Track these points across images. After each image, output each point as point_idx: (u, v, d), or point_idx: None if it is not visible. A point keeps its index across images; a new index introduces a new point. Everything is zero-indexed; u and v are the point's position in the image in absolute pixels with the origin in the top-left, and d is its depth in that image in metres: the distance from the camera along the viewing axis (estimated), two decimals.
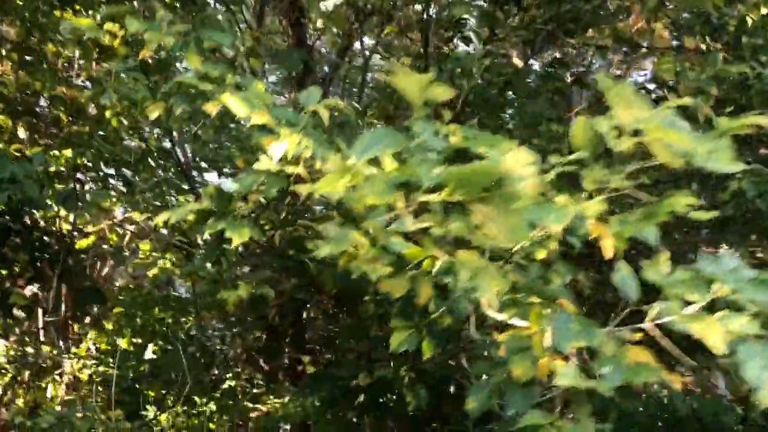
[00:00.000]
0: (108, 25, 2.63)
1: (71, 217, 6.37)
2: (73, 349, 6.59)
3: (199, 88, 2.26)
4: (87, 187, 6.20)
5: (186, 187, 7.15)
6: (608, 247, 1.82)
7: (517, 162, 1.30)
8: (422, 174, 1.33)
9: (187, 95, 2.34)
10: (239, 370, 6.87)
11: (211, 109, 2.25)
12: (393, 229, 1.71)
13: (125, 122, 6.85)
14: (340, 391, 3.88)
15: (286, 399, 5.88)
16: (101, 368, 6.30)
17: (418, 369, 3.30)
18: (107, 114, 6.74)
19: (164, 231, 7.58)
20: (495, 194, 1.31)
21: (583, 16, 4.16)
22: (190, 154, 7.53)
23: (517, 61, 4.86)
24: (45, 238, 4.73)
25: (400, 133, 1.51)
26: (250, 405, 6.30)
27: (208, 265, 2.95)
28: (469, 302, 2.48)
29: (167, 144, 7.15)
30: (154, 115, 2.41)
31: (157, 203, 6.83)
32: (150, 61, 2.83)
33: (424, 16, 4.38)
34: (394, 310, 3.44)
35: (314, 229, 2.46)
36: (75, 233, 5.31)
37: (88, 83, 6.90)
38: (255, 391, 6.44)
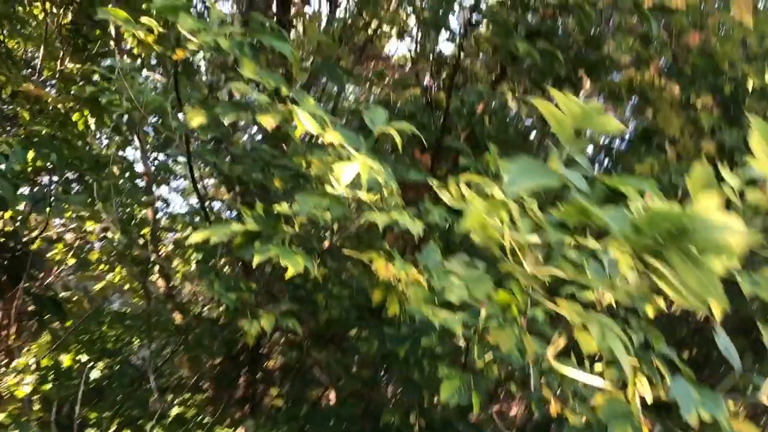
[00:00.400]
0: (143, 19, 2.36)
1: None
2: (13, 363, 6.08)
3: (258, 99, 2.04)
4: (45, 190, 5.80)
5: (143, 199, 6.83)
6: (717, 309, 1.68)
7: (712, 207, 1.13)
8: (608, 219, 1.14)
9: (236, 104, 2.11)
10: (188, 395, 6.50)
11: (269, 122, 2.03)
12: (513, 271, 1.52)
13: (92, 126, 6.51)
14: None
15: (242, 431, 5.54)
16: (44, 386, 5.81)
17: (427, 417, 3.08)
18: (75, 116, 6.39)
19: (115, 243, 7.19)
20: (684, 244, 1.13)
21: (599, 63, 4.10)
22: (153, 167, 7.21)
23: (513, 104, 4.78)
24: (6, 242, 4.32)
25: (546, 166, 1.33)
26: None
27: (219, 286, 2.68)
28: (524, 354, 2.30)
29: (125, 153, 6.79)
30: (195, 123, 2.16)
31: (118, 213, 6.49)
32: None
33: (435, 48, 4.23)
34: (403, 350, 3.23)
35: (356, 258, 2.24)
36: (38, 239, 4.90)
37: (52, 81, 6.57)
38: (206, 420, 6.05)
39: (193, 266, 8.39)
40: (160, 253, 7.22)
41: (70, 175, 6.02)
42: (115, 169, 6.81)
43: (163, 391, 6.14)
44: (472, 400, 2.21)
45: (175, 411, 6.11)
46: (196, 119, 2.15)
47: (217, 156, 3.07)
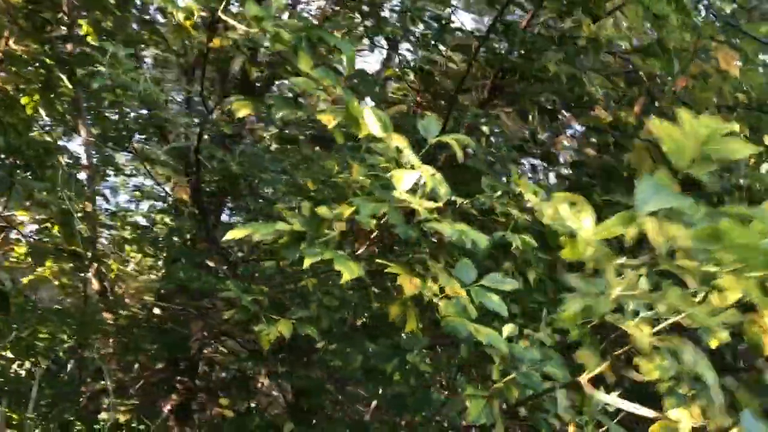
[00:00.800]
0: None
1: None
2: None
3: (315, 95, 1.96)
4: None
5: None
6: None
7: None
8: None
9: (288, 99, 2.02)
10: (118, 401, 6.16)
11: (328, 120, 1.95)
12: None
13: (42, 111, 6.20)
14: None
15: None
16: None
17: None
18: (24, 99, 6.08)
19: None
20: None
21: (581, 97, 4.19)
22: (94, 159, 6.88)
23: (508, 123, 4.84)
24: None
25: (670, 189, 1.32)
26: None
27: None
28: (553, 378, 2.29)
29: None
30: (241, 113, 2.05)
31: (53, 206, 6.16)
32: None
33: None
34: (391, 366, 3.18)
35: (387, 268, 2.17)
36: None
37: None
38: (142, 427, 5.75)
39: (131, 266, 8.06)
40: (97, 250, 6.86)
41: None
42: (62, 159, 6.48)
43: (96, 394, 5.83)
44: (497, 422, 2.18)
45: (104, 416, 5.80)
46: (243, 110, 2.05)
47: (225, 153, 2.93)
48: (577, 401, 2.35)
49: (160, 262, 7.65)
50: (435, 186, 1.83)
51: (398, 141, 1.86)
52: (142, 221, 7.64)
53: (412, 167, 1.88)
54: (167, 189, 7.24)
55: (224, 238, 1.97)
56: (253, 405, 5.51)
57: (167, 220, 7.13)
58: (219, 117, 3.41)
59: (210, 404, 5.55)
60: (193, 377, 5.82)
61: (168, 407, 6.00)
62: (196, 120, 3.58)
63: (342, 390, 3.98)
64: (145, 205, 8.84)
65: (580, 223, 1.47)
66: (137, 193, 7.70)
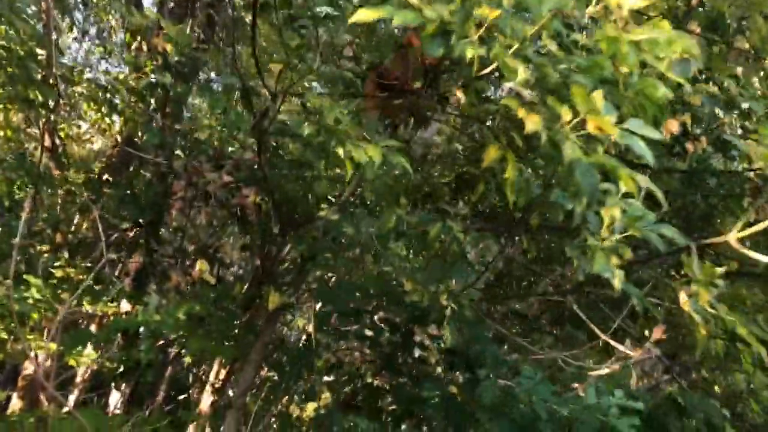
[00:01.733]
0: None
1: None
2: None
3: None
4: None
5: None
6: None
7: None
8: None
9: None
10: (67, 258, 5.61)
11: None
12: None
13: None
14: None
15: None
16: None
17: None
18: None
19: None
20: None
21: None
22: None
23: None
24: None
25: None
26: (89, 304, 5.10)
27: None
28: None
29: None
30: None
31: None
32: None
33: None
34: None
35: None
36: None
37: None
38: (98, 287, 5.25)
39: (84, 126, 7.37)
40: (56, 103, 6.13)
41: None
42: None
43: (55, 249, 5.29)
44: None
45: (59, 273, 5.28)
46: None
47: None
48: (686, 266, 2.13)
49: (116, 125, 7.02)
50: None
51: None
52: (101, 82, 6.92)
53: None
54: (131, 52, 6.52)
55: (351, 20, 1.54)
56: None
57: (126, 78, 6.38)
58: None
59: (174, 271, 5.09)
60: (157, 240, 5.35)
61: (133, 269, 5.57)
62: None
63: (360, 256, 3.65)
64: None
65: None
66: (99, 49, 6.95)
